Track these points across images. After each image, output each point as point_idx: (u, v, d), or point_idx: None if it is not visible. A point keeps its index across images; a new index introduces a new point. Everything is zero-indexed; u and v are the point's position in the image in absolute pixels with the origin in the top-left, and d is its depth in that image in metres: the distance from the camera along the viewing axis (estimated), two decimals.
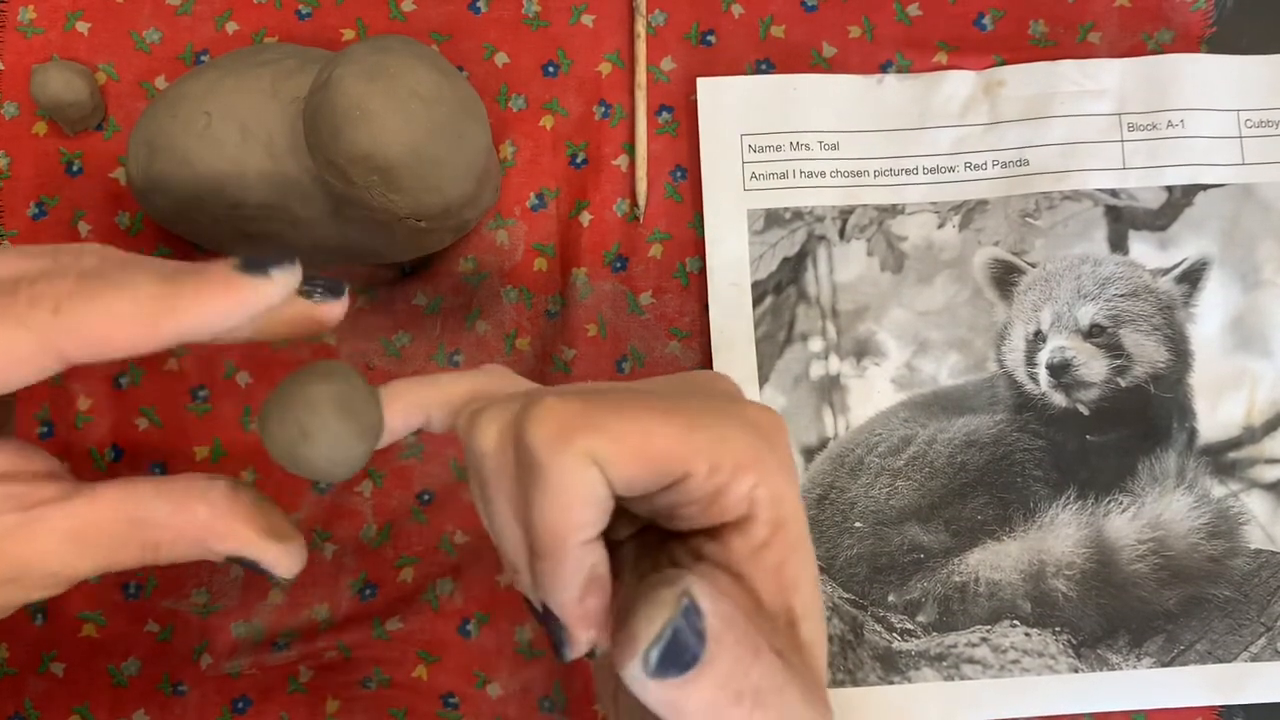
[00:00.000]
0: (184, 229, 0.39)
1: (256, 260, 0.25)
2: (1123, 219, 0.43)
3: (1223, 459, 0.43)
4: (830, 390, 0.43)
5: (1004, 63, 0.44)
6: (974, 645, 0.41)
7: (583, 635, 0.24)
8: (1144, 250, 0.43)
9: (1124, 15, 0.45)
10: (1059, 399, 0.43)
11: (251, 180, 0.37)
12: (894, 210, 0.44)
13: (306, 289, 0.27)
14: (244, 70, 0.37)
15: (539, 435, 0.23)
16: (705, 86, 0.44)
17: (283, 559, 0.27)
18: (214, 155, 0.37)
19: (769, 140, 0.44)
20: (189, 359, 0.43)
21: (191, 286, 0.24)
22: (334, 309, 0.28)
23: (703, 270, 0.43)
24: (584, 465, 0.22)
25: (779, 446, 0.25)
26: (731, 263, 0.43)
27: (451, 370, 0.27)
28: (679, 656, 0.21)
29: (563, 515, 0.23)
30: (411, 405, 0.27)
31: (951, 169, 0.44)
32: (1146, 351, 0.43)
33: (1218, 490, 0.42)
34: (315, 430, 0.25)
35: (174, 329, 0.24)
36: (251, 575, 0.42)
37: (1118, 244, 0.43)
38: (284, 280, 0.26)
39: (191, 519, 0.26)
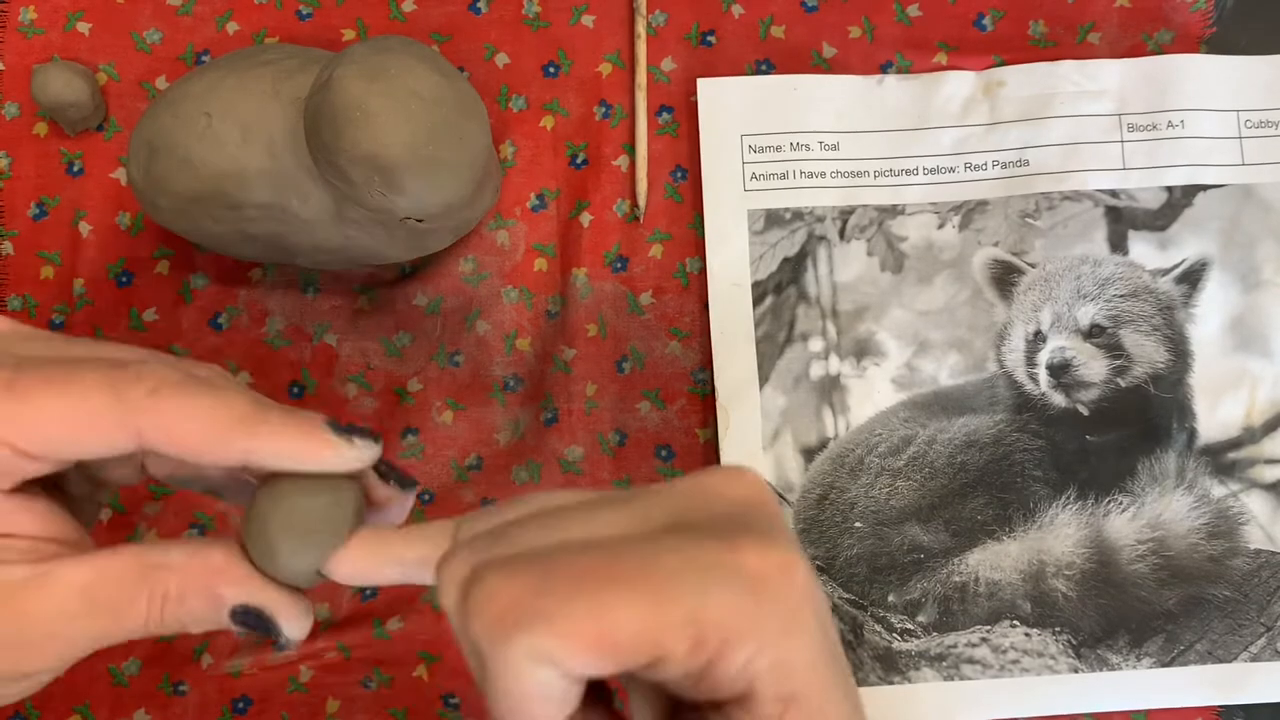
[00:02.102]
0: (185, 229, 0.39)
1: (347, 426, 0.26)
2: (1123, 219, 0.44)
3: (1222, 459, 0.43)
4: (830, 390, 0.43)
5: (1004, 63, 0.44)
6: (974, 645, 0.41)
7: None
8: (1144, 251, 0.43)
9: (1124, 16, 0.45)
10: (1059, 399, 0.43)
11: (252, 180, 0.37)
12: (894, 210, 0.44)
13: (384, 470, 0.27)
14: (245, 70, 0.37)
15: (479, 626, 0.20)
16: (705, 87, 0.44)
17: (294, 614, 0.26)
18: (215, 155, 0.37)
19: (769, 141, 0.44)
20: (189, 359, 0.43)
21: (277, 420, 0.25)
22: (396, 497, 0.28)
23: (703, 270, 0.43)
24: (531, 664, 0.20)
25: (787, 598, 0.21)
26: (731, 263, 0.43)
27: (423, 527, 0.26)
28: None
29: (514, 713, 0.21)
30: (377, 563, 0.26)
31: (951, 169, 0.44)
32: (1146, 352, 0.43)
33: (1217, 490, 0.42)
34: (266, 543, 0.25)
35: (244, 449, 0.25)
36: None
37: (1118, 244, 0.43)
38: (363, 452, 0.26)
39: (205, 562, 0.26)
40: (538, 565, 0.21)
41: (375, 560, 0.26)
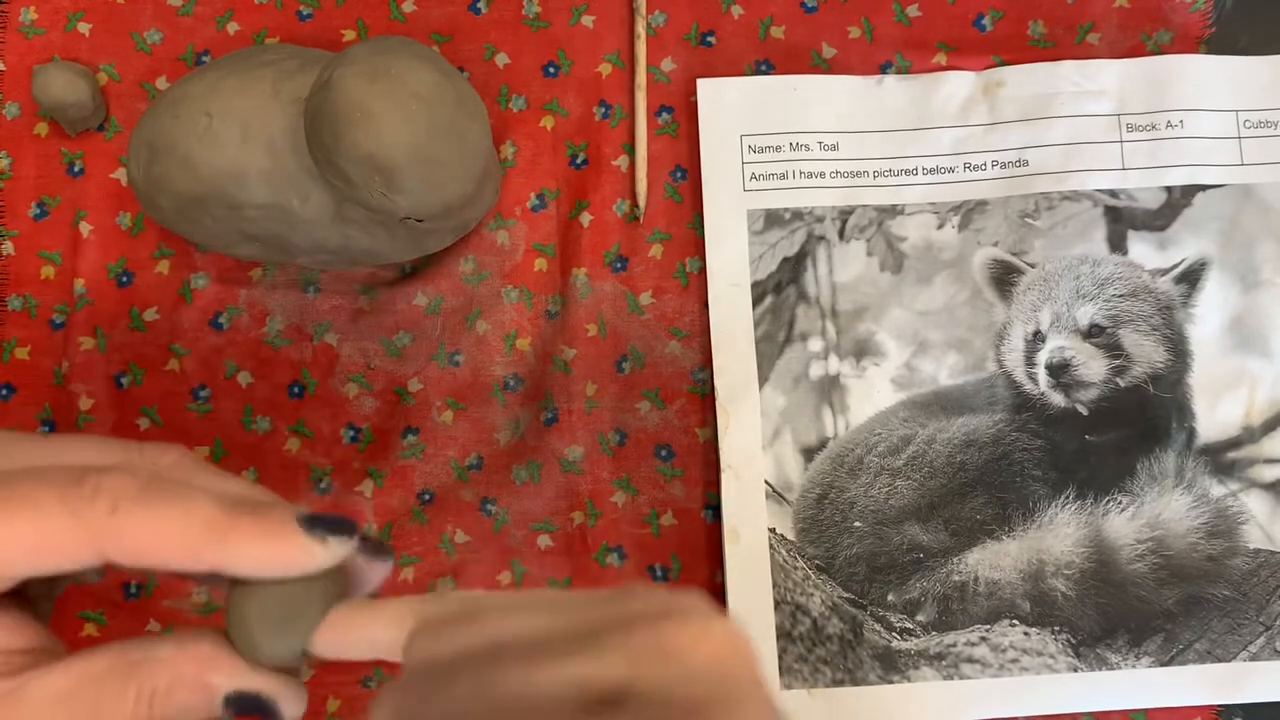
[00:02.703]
0: (185, 229, 0.39)
1: (320, 521, 0.25)
2: (1122, 219, 0.44)
3: (1222, 459, 0.43)
4: (830, 390, 0.43)
5: (1003, 63, 0.44)
6: (973, 644, 0.41)
7: None
8: (1143, 250, 0.43)
9: (1123, 16, 0.45)
10: (1058, 399, 0.43)
11: (252, 181, 0.37)
12: (894, 211, 0.44)
13: (368, 549, 0.27)
14: (245, 71, 0.37)
15: None
16: (705, 87, 0.44)
17: (289, 694, 0.25)
18: (215, 156, 0.37)
19: (769, 141, 0.44)
20: (190, 359, 0.43)
21: (246, 526, 0.24)
22: (375, 568, 0.27)
23: (703, 270, 0.44)
24: None
25: None
26: (731, 263, 0.43)
27: (388, 606, 0.25)
28: None
29: None
30: (351, 642, 0.25)
31: (951, 169, 0.44)
32: (1145, 352, 0.43)
33: (1217, 490, 0.43)
34: (248, 633, 0.25)
35: (214, 561, 0.24)
36: None
37: (1117, 244, 0.43)
38: (336, 550, 0.25)
39: (195, 653, 0.25)
40: None
41: (349, 640, 0.25)
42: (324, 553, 0.25)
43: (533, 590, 0.25)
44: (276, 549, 0.24)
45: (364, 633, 0.25)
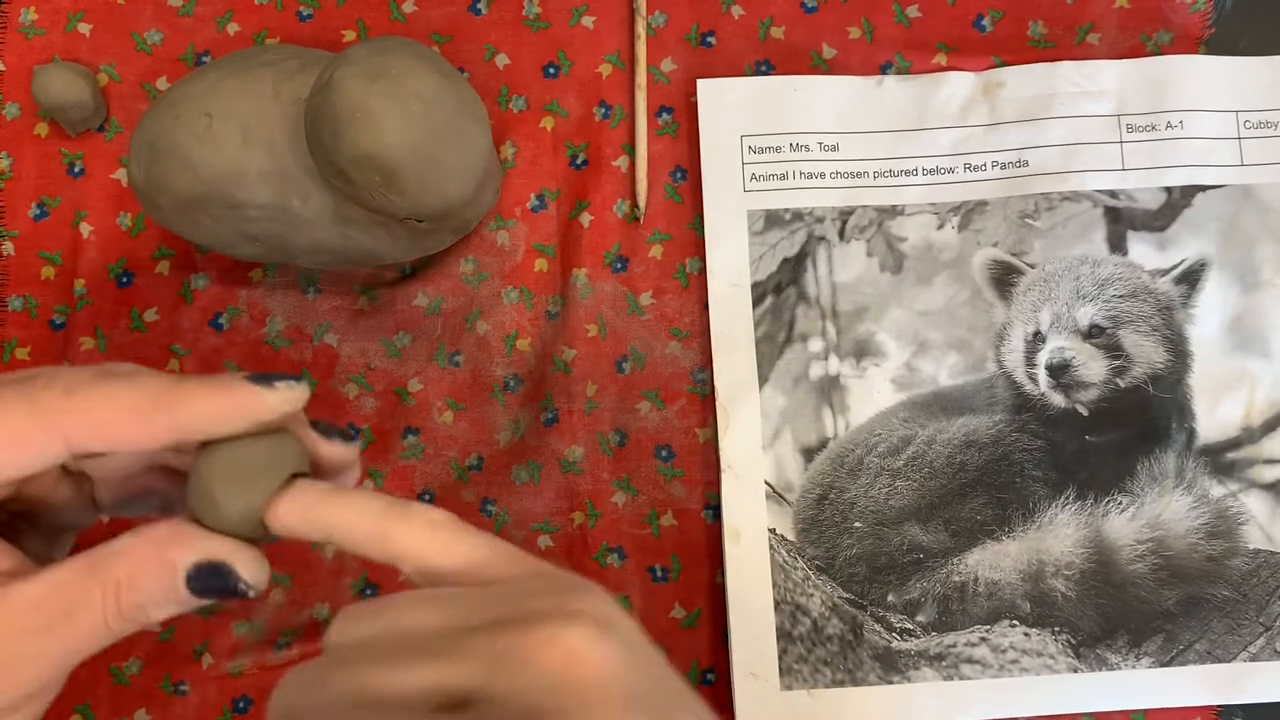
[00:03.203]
0: (185, 230, 0.39)
1: (264, 374, 0.26)
2: (1122, 220, 0.44)
3: (1222, 459, 0.43)
4: (830, 390, 0.43)
5: (1003, 64, 0.44)
6: (973, 645, 0.41)
7: None
8: (1143, 251, 0.43)
9: (1123, 16, 0.45)
10: (1058, 399, 0.43)
11: (253, 181, 0.37)
12: (893, 211, 0.44)
13: (323, 429, 0.28)
14: (245, 71, 0.37)
15: None
16: (705, 88, 0.44)
17: (248, 560, 0.26)
18: (215, 156, 0.37)
19: (769, 141, 0.44)
20: (190, 359, 0.43)
21: (194, 385, 0.25)
22: (339, 451, 0.28)
23: (703, 271, 0.44)
24: None
25: None
26: (731, 263, 0.43)
27: (358, 495, 0.26)
28: None
29: None
30: (309, 515, 0.26)
31: (951, 170, 0.44)
32: (1145, 352, 0.43)
33: (1216, 490, 0.43)
34: (207, 493, 0.26)
35: (168, 423, 0.25)
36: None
37: (1117, 245, 0.43)
38: (286, 394, 0.25)
39: (152, 536, 0.25)
40: None
41: (308, 512, 0.26)
42: (273, 397, 0.25)
43: (482, 538, 0.25)
44: (225, 399, 0.25)
45: (325, 510, 0.26)
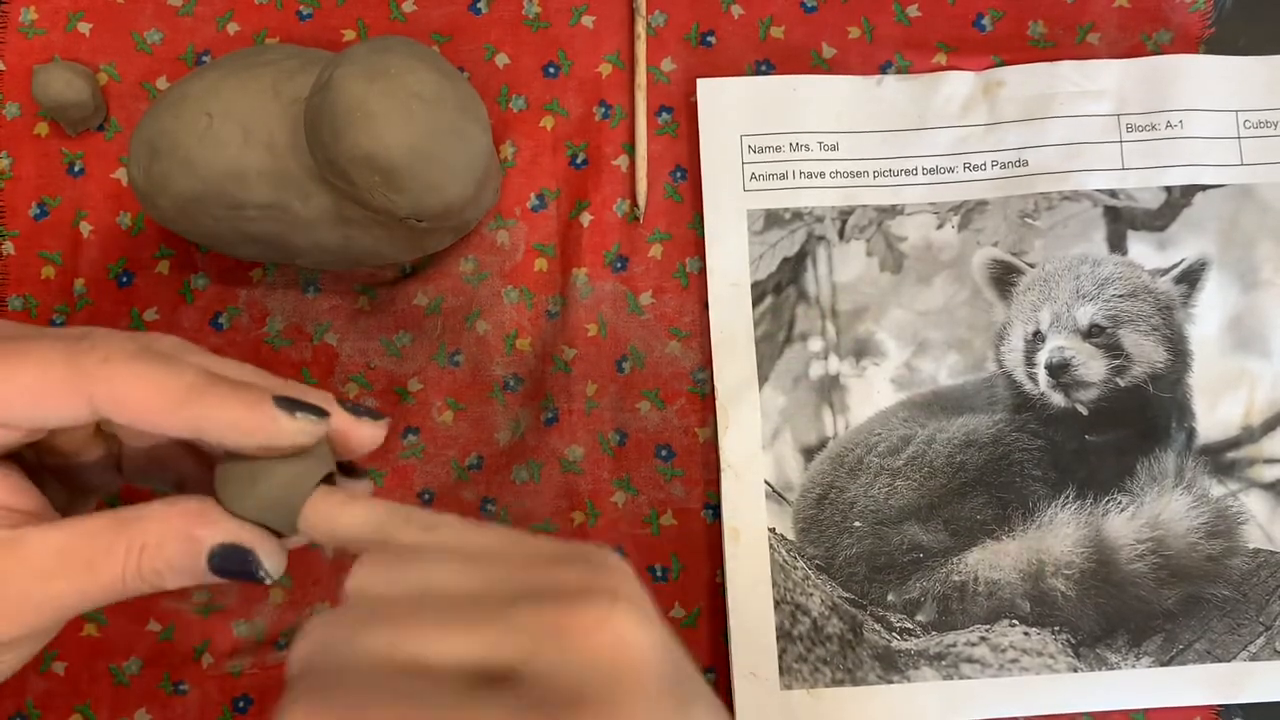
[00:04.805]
0: (185, 229, 0.39)
1: (293, 402, 0.26)
2: (1121, 219, 0.44)
3: (1221, 459, 0.43)
4: (830, 390, 0.43)
5: (1003, 63, 0.44)
6: (973, 644, 0.41)
7: None
8: (1143, 251, 0.43)
9: (1123, 16, 0.45)
10: (1058, 399, 0.43)
11: (253, 181, 0.37)
12: (893, 211, 0.44)
13: (350, 409, 0.28)
14: (245, 71, 0.37)
15: None
16: (705, 87, 0.44)
17: (271, 549, 0.27)
18: (215, 156, 0.37)
19: (769, 141, 0.44)
20: None
21: (224, 391, 0.26)
22: (369, 431, 0.29)
23: (703, 270, 0.44)
24: None
25: None
26: (731, 263, 0.43)
27: (363, 506, 0.27)
28: None
29: None
30: (324, 528, 0.27)
31: (951, 169, 0.44)
32: (1145, 351, 0.43)
33: (1216, 490, 0.43)
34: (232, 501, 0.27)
35: (189, 418, 0.25)
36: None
37: (1116, 244, 0.43)
38: (304, 426, 0.26)
39: (184, 509, 0.26)
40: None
41: (319, 525, 0.27)
42: (291, 425, 0.26)
43: (487, 530, 0.25)
44: (246, 415, 0.26)
45: (332, 521, 0.26)
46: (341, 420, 0.28)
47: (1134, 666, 0.41)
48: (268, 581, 0.27)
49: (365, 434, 0.29)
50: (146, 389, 0.25)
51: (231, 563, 0.26)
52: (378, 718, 0.20)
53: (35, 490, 0.27)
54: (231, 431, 0.26)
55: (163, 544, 0.26)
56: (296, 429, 0.26)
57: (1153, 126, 0.44)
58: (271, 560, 0.27)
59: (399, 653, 0.22)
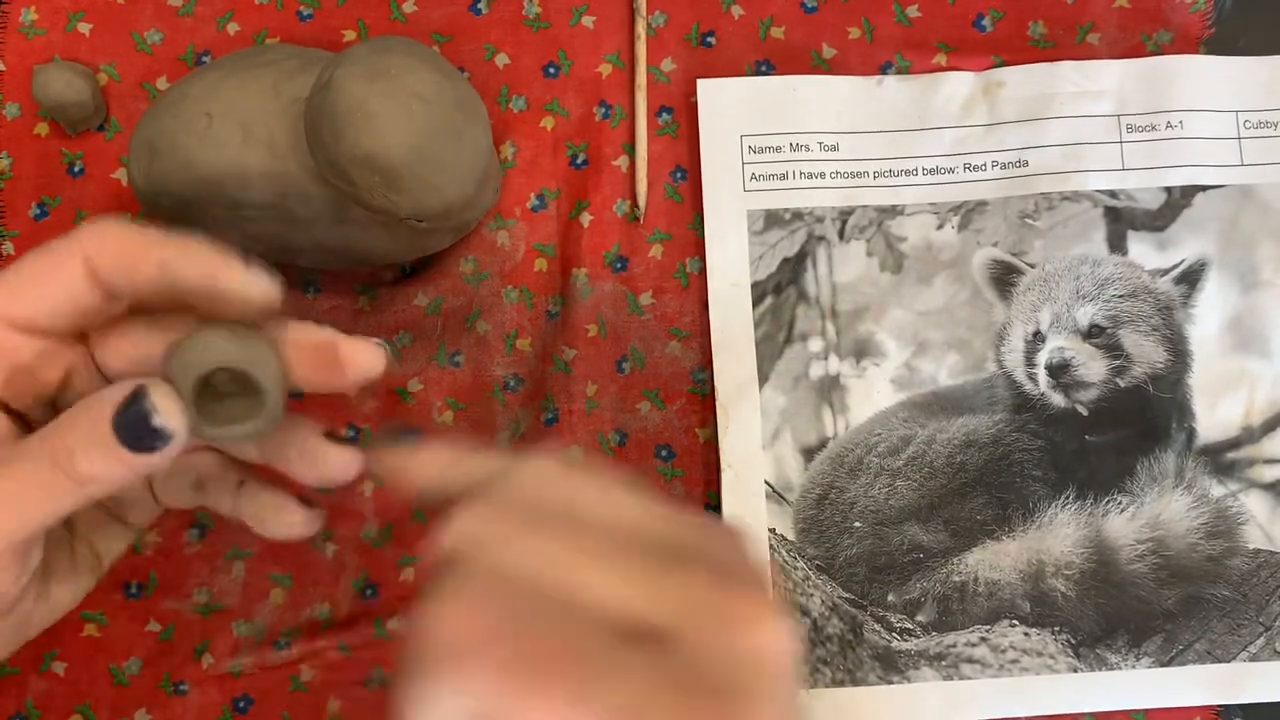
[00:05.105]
0: (185, 229, 0.39)
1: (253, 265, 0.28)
2: (1122, 220, 0.44)
3: (1221, 459, 0.43)
4: (830, 390, 0.43)
5: (1003, 64, 0.44)
6: (973, 645, 0.41)
7: None
8: (1143, 251, 0.43)
9: (1123, 16, 0.45)
10: (1058, 399, 0.43)
11: (253, 181, 0.37)
12: (893, 211, 0.44)
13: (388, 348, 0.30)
14: (245, 71, 0.37)
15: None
16: (705, 88, 0.44)
17: (168, 398, 0.26)
18: (215, 156, 0.37)
19: (769, 141, 0.44)
20: None
21: (191, 243, 0.27)
22: (365, 352, 0.29)
23: (703, 270, 0.44)
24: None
25: None
26: (731, 263, 0.43)
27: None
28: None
29: None
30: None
31: (951, 170, 0.44)
32: (1145, 352, 0.43)
33: (1216, 490, 0.43)
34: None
35: (161, 258, 0.27)
36: (252, 576, 0.42)
37: (1117, 245, 0.43)
38: (258, 280, 0.28)
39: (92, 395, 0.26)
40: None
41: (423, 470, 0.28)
42: (243, 275, 0.28)
43: (619, 485, 0.24)
44: (208, 257, 0.27)
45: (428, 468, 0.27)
46: (341, 342, 0.29)
47: (1134, 667, 0.41)
48: (169, 434, 0.26)
49: (364, 356, 0.29)
50: (128, 235, 0.27)
51: (130, 417, 0.25)
52: (529, 648, 0.20)
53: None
54: (192, 268, 0.27)
55: (72, 417, 0.26)
56: (248, 279, 0.28)
57: (1153, 127, 0.44)
58: (165, 404, 0.26)
59: (552, 576, 0.21)
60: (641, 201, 0.44)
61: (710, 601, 0.21)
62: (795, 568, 0.42)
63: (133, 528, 0.32)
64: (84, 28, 0.44)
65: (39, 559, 0.28)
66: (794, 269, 0.43)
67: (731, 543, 0.24)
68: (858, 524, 0.42)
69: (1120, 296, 0.43)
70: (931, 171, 0.44)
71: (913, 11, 0.45)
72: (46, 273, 0.27)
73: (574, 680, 0.19)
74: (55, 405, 0.29)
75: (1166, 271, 0.43)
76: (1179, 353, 0.43)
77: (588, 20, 0.45)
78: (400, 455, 0.27)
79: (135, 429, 0.25)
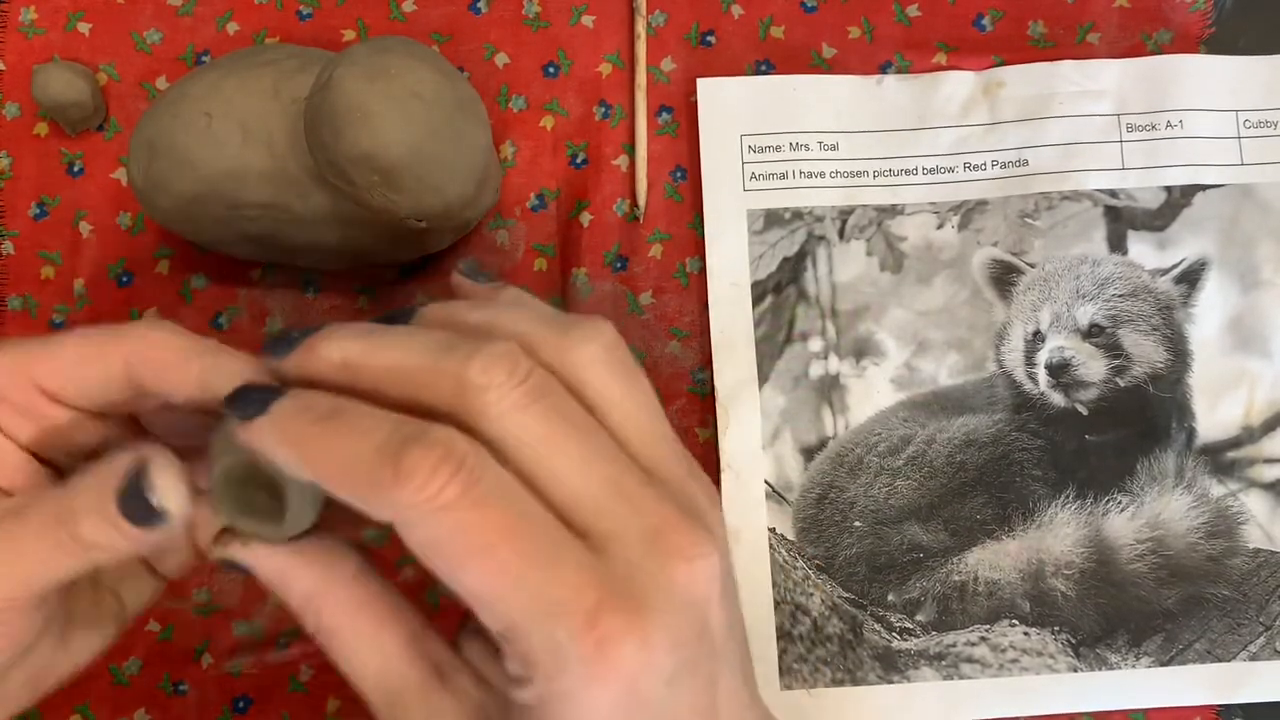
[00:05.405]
0: (185, 229, 0.39)
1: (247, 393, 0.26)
2: (1121, 219, 0.44)
3: (1221, 459, 0.43)
4: (830, 390, 0.43)
5: (1003, 63, 0.44)
6: (973, 644, 0.41)
7: None
8: (1143, 250, 0.43)
9: (1123, 16, 0.45)
10: (1058, 399, 0.43)
11: (252, 180, 0.37)
12: (893, 210, 0.44)
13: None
14: (245, 71, 0.37)
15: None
16: (705, 87, 0.44)
17: (170, 476, 0.25)
18: (215, 156, 0.37)
19: (769, 141, 0.44)
20: None
21: (229, 349, 0.27)
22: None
23: (703, 270, 0.44)
24: None
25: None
26: (731, 263, 0.43)
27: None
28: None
29: None
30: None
31: (951, 169, 0.44)
32: (1145, 351, 0.43)
33: (1216, 490, 0.43)
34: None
35: (202, 368, 0.26)
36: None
37: (1116, 244, 0.43)
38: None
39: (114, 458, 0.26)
40: None
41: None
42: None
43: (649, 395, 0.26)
44: (249, 365, 0.26)
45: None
46: None
47: (1134, 666, 0.41)
48: (165, 514, 0.25)
49: None
50: (172, 345, 0.26)
51: (131, 495, 0.25)
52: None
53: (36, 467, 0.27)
54: (232, 384, 0.26)
55: (78, 488, 0.25)
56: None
57: (1153, 126, 0.44)
58: (165, 482, 0.25)
59: (532, 454, 0.23)
60: (641, 201, 0.44)
61: (654, 526, 0.23)
62: (795, 567, 0.42)
63: (161, 578, 0.31)
64: (84, 27, 0.44)
65: (55, 604, 0.27)
66: (794, 268, 0.43)
67: (708, 492, 0.26)
68: (858, 523, 0.42)
69: (1120, 296, 0.43)
70: (931, 171, 0.44)
71: (913, 11, 0.45)
72: (86, 360, 0.26)
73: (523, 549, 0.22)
74: (97, 455, 0.28)
75: (1166, 271, 0.43)
76: (1179, 352, 0.43)
77: (587, 20, 0.45)
78: (474, 287, 0.29)
79: (138, 503, 0.25)
